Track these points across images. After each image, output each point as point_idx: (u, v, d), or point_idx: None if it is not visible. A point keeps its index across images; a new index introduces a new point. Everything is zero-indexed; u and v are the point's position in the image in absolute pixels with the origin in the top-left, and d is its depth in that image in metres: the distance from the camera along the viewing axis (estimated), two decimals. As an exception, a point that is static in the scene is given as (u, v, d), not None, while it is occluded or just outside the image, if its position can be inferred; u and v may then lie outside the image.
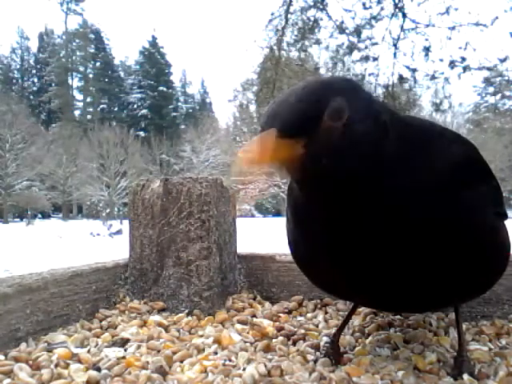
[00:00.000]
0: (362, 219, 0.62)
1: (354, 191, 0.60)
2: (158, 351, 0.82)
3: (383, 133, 0.60)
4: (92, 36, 55.11)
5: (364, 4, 7.93)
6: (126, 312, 1.02)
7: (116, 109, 55.76)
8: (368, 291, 0.69)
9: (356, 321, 0.97)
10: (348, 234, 0.63)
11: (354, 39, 8.22)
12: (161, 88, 54.44)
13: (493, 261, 0.69)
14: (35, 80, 56.01)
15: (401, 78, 8.27)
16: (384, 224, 0.61)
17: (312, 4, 8.21)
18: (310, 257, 0.72)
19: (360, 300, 0.80)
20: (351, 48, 8.28)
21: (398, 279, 0.64)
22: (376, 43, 8.16)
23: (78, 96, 55.20)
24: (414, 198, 0.61)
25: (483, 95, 38.80)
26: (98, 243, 12.49)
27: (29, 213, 33.54)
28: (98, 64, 55.42)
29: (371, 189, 0.60)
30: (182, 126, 50.82)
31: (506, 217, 0.74)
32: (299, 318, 1.00)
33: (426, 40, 7.89)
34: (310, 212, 0.67)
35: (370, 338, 0.88)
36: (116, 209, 34.78)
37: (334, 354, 0.79)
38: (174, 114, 55.26)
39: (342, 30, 8.15)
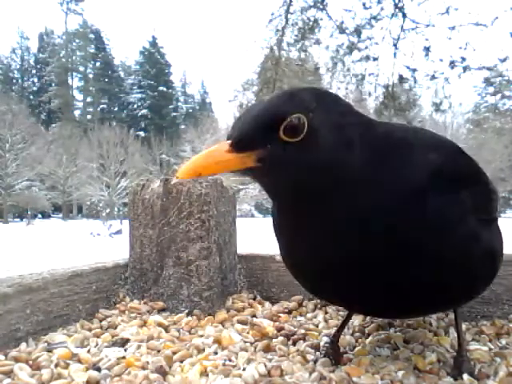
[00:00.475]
0: (327, 232, 0.62)
1: (314, 205, 0.61)
2: (158, 351, 0.82)
3: (347, 147, 0.60)
4: (92, 36, 55.14)
5: (364, 4, 7.94)
6: (126, 312, 1.02)
7: (116, 109, 55.78)
8: (351, 300, 0.70)
9: (356, 321, 0.97)
10: (320, 246, 0.64)
11: (354, 39, 8.22)
12: (161, 88, 54.47)
13: (477, 268, 0.67)
14: (35, 80, 56.03)
15: (401, 78, 8.27)
16: (349, 237, 0.61)
17: (312, 4, 8.21)
18: (295, 264, 0.73)
19: (348, 307, 0.80)
20: (351, 48, 8.28)
21: (373, 287, 0.64)
22: (376, 43, 8.16)
23: (78, 96, 55.29)
24: (381, 210, 0.60)
25: (483, 95, 38.80)
26: (98, 243, 12.49)
27: (29, 213, 33.54)
28: (98, 64, 55.44)
29: (336, 203, 0.60)
30: (182, 126, 50.80)
31: (492, 221, 0.72)
32: (299, 318, 1.00)
33: (426, 40, 7.89)
34: (283, 221, 0.69)
35: (370, 338, 0.88)
36: (116, 209, 34.78)
37: (334, 354, 0.79)
38: (174, 113, 55.28)
39: (342, 30, 8.15)
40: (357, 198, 0.60)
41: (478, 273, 0.68)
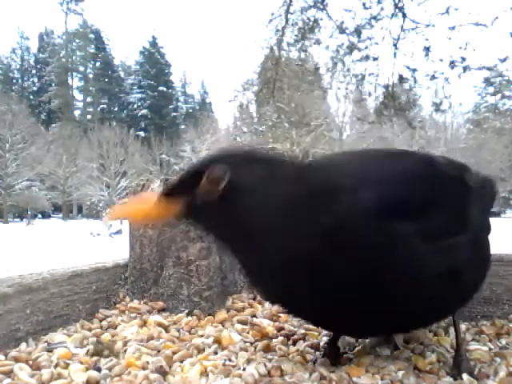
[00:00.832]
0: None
1: (239, 251, 0.67)
2: (158, 351, 0.82)
3: (266, 202, 0.62)
4: (92, 36, 55.11)
5: (364, 4, 7.93)
6: (126, 312, 1.02)
7: (116, 109, 55.77)
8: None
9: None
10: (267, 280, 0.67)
11: (354, 39, 8.22)
12: (161, 88, 54.44)
13: (433, 292, 0.65)
14: (35, 80, 56.01)
15: (401, 78, 8.27)
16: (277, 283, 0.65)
17: (312, 4, 8.21)
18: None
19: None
20: (351, 48, 8.28)
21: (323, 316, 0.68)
22: (376, 43, 8.16)
23: (78, 96, 55.26)
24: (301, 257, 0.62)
25: (483, 95, 38.77)
26: (98, 243, 12.49)
27: (29, 213, 33.55)
28: (98, 64, 55.42)
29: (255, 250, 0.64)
30: (182, 126, 50.77)
31: (459, 238, 0.69)
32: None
33: (426, 40, 7.89)
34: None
35: (370, 338, 0.88)
36: (116, 209, 34.70)
37: (334, 355, 0.79)
38: (174, 113, 55.26)
39: (342, 30, 8.15)
40: (271, 248, 0.63)
41: (436, 293, 0.66)
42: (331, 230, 0.61)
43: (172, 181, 0.67)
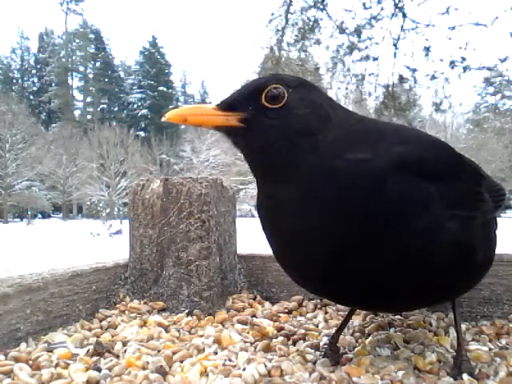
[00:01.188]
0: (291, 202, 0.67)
1: (282, 176, 0.68)
2: (158, 351, 0.82)
3: (322, 122, 0.68)
4: (92, 36, 55.15)
5: (364, 4, 7.93)
6: (126, 312, 1.02)
7: (116, 109, 55.79)
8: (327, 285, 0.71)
9: (356, 321, 0.97)
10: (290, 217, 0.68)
11: (354, 39, 8.22)
12: (161, 88, 54.49)
13: (442, 259, 0.66)
14: (35, 80, 56.05)
15: (401, 78, 8.27)
16: (312, 212, 0.65)
17: (312, 4, 8.21)
18: (284, 256, 0.75)
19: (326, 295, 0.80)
20: (351, 48, 8.28)
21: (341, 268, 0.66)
22: (376, 43, 8.16)
23: (78, 96, 55.31)
24: (341, 188, 0.65)
25: (483, 95, 38.79)
26: (98, 243, 12.49)
27: (29, 213, 33.57)
28: (98, 64, 55.44)
29: (299, 175, 0.66)
30: (182, 126, 50.72)
31: (474, 218, 0.71)
32: (299, 318, 1.00)
33: (426, 40, 7.89)
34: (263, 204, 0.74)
35: (370, 338, 0.88)
36: (116, 209, 34.78)
37: (333, 355, 0.79)
38: (174, 114, 55.11)
39: (342, 29, 8.15)
40: (319, 173, 0.66)
41: (448, 262, 0.67)
42: (377, 177, 0.64)
43: (231, 95, 0.70)
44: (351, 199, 0.64)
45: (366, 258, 0.64)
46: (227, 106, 0.69)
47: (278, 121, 0.68)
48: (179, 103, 58.10)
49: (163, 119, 0.68)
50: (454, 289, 0.75)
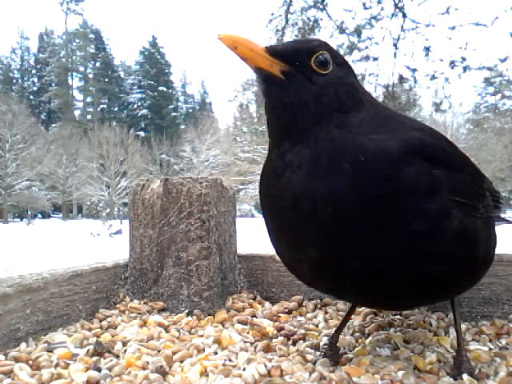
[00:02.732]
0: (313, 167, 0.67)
1: (303, 140, 0.68)
2: (158, 351, 0.82)
3: (354, 103, 0.71)
4: (92, 36, 55.13)
5: (364, 4, 7.93)
6: (126, 312, 1.02)
7: (116, 109, 55.79)
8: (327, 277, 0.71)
9: (356, 321, 0.97)
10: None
11: (354, 39, 8.22)
12: (161, 88, 54.47)
13: (447, 245, 0.66)
14: (35, 80, 56.05)
15: (401, 78, 8.27)
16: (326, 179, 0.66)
17: (312, 4, 8.21)
18: (287, 251, 0.74)
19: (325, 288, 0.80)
20: (351, 48, 8.27)
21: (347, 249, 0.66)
22: (376, 43, 8.16)
23: (78, 96, 55.30)
24: (361, 165, 0.65)
25: (483, 95, 38.78)
26: (98, 243, 12.49)
27: (29, 213, 33.56)
28: (98, 64, 55.44)
29: (323, 142, 0.68)
30: (182, 126, 50.79)
31: (477, 212, 0.72)
32: (299, 318, 1.00)
33: (426, 40, 7.89)
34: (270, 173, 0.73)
35: (370, 338, 0.88)
36: (116, 209, 34.78)
37: (333, 355, 0.79)
38: (174, 114, 55.28)
39: (342, 29, 8.15)
40: (340, 145, 0.67)
41: (451, 252, 0.67)
42: (394, 158, 0.66)
43: (282, 44, 0.72)
44: (365, 174, 0.65)
45: (368, 238, 0.64)
46: (276, 52, 0.69)
47: (318, 87, 0.69)
48: (179, 103, 58.14)
49: (217, 37, 0.68)
50: (454, 284, 0.74)
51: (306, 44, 0.72)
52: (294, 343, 0.87)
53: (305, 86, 0.69)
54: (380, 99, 8.74)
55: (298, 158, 0.68)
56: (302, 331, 0.91)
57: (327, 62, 0.70)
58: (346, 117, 0.69)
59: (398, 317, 0.98)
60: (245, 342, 0.87)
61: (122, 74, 57.47)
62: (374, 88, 8.64)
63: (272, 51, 0.69)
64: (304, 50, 0.70)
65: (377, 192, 0.64)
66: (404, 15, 7.82)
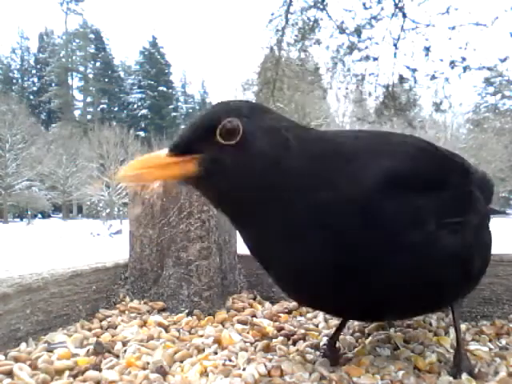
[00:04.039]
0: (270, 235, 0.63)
1: (250, 217, 0.63)
2: (158, 351, 0.81)
3: (284, 148, 0.61)
4: (92, 36, 55.13)
5: (364, 4, 7.93)
6: (126, 312, 1.02)
7: (116, 109, 55.79)
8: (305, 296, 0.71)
9: (356, 321, 0.97)
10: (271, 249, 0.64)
11: (354, 39, 8.22)
12: (161, 88, 54.49)
13: (440, 272, 0.65)
14: (35, 80, 56.03)
15: (401, 78, 8.27)
16: (287, 248, 0.62)
17: (312, 4, 8.21)
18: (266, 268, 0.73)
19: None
20: (351, 48, 8.28)
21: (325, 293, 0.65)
22: (376, 43, 8.16)
23: (78, 96, 55.28)
24: (321, 216, 0.60)
25: (483, 95, 38.77)
26: (98, 243, 12.49)
27: (29, 213, 33.55)
28: (98, 64, 55.44)
29: (271, 211, 0.61)
30: (182, 126, 50.70)
31: (467, 222, 0.70)
32: (299, 318, 1.00)
33: (426, 40, 7.89)
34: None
35: (370, 338, 0.88)
36: (116, 209, 34.78)
37: (333, 355, 0.79)
38: (174, 114, 55.29)
39: (342, 29, 8.15)
40: (293, 205, 0.60)
41: (445, 276, 0.66)
42: (359, 196, 0.61)
43: (182, 137, 0.62)
44: (338, 231, 0.60)
45: (364, 282, 0.63)
46: (181, 149, 0.61)
47: (239, 158, 0.60)
48: (179, 103, 58.15)
49: (116, 181, 0.63)
50: (452, 297, 0.76)
51: (205, 122, 0.62)
52: (294, 343, 0.87)
53: (227, 166, 0.60)
54: (380, 99, 8.75)
55: (262, 240, 0.64)
56: (302, 331, 0.91)
57: (234, 128, 0.60)
58: (283, 170, 0.60)
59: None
60: (245, 342, 0.87)
61: (121, 73, 57.48)
62: (374, 88, 8.65)
63: (176, 149, 0.61)
64: (205, 131, 0.61)
65: (357, 243, 0.60)
66: (404, 15, 7.83)
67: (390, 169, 0.63)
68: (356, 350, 0.83)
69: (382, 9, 7.92)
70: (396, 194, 0.61)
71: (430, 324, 0.94)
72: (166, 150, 0.62)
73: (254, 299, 1.12)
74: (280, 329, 0.92)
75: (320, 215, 0.60)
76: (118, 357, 0.80)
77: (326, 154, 0.63)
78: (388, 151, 0.66)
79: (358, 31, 8.10)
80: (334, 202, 0.60)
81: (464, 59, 7.78)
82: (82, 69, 54.66)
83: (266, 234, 0.63)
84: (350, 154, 0.64)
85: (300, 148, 0.62)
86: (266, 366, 0.74)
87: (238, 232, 0.72)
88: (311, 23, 8.30)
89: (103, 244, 12.07)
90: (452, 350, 0.82)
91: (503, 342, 0.87)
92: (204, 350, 0.83)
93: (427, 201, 0.64)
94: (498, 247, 0.82)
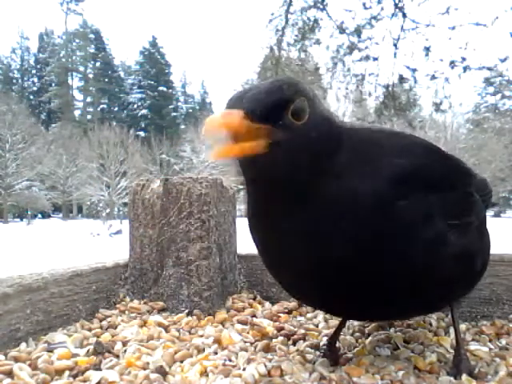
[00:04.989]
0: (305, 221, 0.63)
1: (300, 191, 0.62)
2: (158, 351, 0.81)
3: (336, 142, 0.63)
4: (92, 36, 55.13)
5: (364, 4, 7.92)
6: (126, 312, 1.02)
7: (116, 109, 55.79)
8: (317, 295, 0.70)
9: (356, 321, 0.97)
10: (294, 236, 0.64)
11: (354, 39, 8.21)
12: (161, 88, 54.49)
13: (448, 270, 0.67)
14: (35, 80, 56.04)
15: (401, 78, 8.26)
16: (320, 236, 0.62)
17: (312, 4, 8.20)
18: (273, 264, 0.74)
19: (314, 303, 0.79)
20: (351, 48, 8.27)
21: (341, 287, 0.65)
22: (376, 43, 8.15)
23: (78, 96, 55.29)
24: (351, 208, 0.62)
25: (483, 95, 38.79)
26: (98, 243, 12.49)
27: (29, 213, 33.56)
28: (98, 64, 55.43)
29: (316, 191, 0.62)
30: (182, 126, 50.78)
31: (470, 224, 0.72)
32: (299, 318, 1.00)
33: (426, 40, 7.88)
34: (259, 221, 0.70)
35: (370, 338, 0.88)
36: (116, 209, 34.78)
37: (333, 355, 0.79)
38: (174, 114, 55.28)
39: (342, 29, 8.14)
40: (334, 195, 0.62)
41: (451, 275, 0.68)
42: (382, 195, 0.62)
43: (259, 105, 0.58)
44: (364, 224, 0.61)
45: (373, 277, 0.63)
46: (257, 117, 0.57)
47: (304, 139, 0.60)
48: (179, 103, 58.13)
49: (212, 159, 0.58)
50: (453, 297, 0.77)
51: (276, 97, 0.59)
52: (294, 343, 0.87)
53: (293, 145, 0.59)
54: (380, 99, 8.75)
55: (296, 225, 0.63)
56: (302, 331, 0.91)
57: (304, 109, 0.60)
58: (333, 161, 0.62)
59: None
60: (245, 342, 0.87)
61: (121, 73, 57.47)
62: (374, 88, 8.64)
63: (255, 116, 0.57)
64: (276, 105, 0.59)
65: (377, 237, 0.62)
66: (404, 15, 7.82)
67: (407, 166, 0.65)
68: (356, 350, 0.83)
69: (382, 9, 7.91)
70: (411, 191, 0.63)
71: (430, 324, 0.94)
72: (240, 112, 0.57)
73: (254, 299, 1.12)
74: (280, 329, 0.92)
75: (348, 210, 0.62)
76: (118, 357, 0.80)
77: (362, 151, 0.64)
78: (404, 148, 0.69)
79: (357, 31, 8.09)
80: (360, 198, 0.62)
81: (464, 59, 7.78)
82: (81, 69, 54.65)
83: (305, 222, 0.63)
84: (377, 153, 0.66)
85: (348, 146, 0.64)
86: (266, 365, 0.74)
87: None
88: (311, 23, 8.30)
89: (103, 244, 12.07)
90: (452, 350, 0.82)
91: (503, 342, 0.87)
92: (204, 349, 0.83)
93: (436, 199, 0.66)
94: (498, 247, 0.82)
